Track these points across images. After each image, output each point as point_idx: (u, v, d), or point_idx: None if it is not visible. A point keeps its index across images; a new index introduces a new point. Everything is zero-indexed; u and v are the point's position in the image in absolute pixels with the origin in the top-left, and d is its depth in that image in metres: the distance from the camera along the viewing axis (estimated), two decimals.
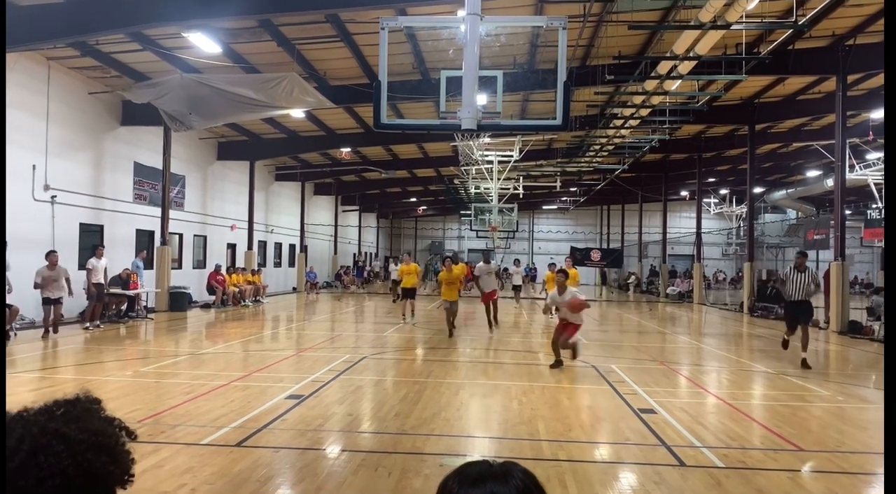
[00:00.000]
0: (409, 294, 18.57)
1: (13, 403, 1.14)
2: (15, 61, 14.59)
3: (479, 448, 6.35)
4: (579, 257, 34.47)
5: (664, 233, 37.67)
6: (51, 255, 13.96)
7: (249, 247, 27.87)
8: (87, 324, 15.26)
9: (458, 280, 15.44)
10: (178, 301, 20.52)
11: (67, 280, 14.13)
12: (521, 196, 33.94)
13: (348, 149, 27.81)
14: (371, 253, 53.33)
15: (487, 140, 25.00)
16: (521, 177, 32.59)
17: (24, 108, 15.55)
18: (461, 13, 7.36)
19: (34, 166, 16.10)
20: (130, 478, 1.14)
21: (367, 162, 31.94)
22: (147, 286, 19.25)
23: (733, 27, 12.89)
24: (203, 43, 14.49)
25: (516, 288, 27.03)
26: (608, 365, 11.42)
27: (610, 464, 5.98)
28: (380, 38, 7.11)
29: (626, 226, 48.28)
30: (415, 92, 16.65)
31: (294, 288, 34.42)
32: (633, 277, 43.67)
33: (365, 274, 41.42)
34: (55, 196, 16.75)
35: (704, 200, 39.63)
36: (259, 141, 26.36)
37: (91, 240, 17.58)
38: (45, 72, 16.35)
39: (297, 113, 19.37)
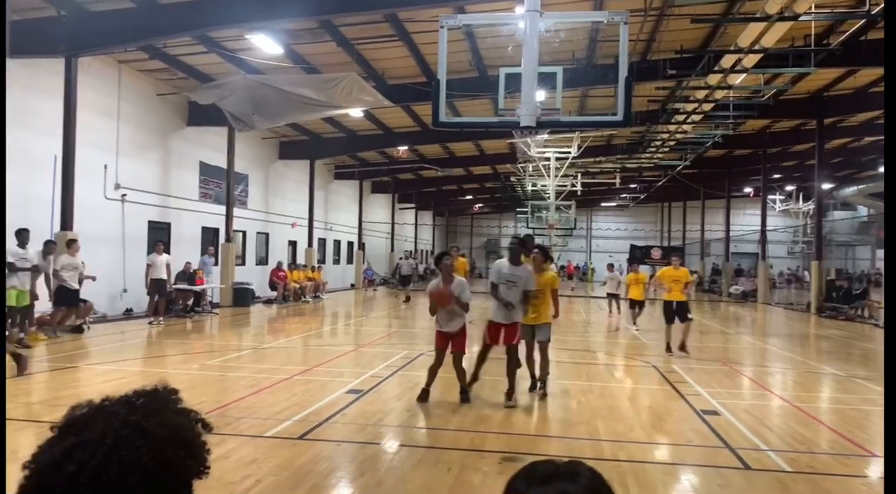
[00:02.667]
0: None
1: (89, 393, 1.18)
2: (89, 65, 15.18)
3: (539, 447, 6.33)
4: (639, 255, 33.94)
5: (727, 230, 36.73)
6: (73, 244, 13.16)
7: (309, 244, 28.35)
8: (151, 319, 15.62)
9: (547, 287, 8.56)
10: (242, 296, 21.01)
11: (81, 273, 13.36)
12: (578, 193, 33.61)
13: (405, 148, 27.99)
14: (427, 251, 53.57)
15: (545, 136, 24.81)
16: (580, 174, 32.24)
17: (97, 110, 16.16)
18: (520, 10, 7.35)
19: (106, 166, 16.73)
20: (206, 470, 1.16)
21: (423, 160, 32.10)
22: (213, 282, 19.76)
23: (801, 18, 12.48)
24: (265, 44, 14.83)
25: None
26: (669, 365, 11.22)
27: (672, 466, 5.88)
28: (439, 37, 7.15)
29: (688, 223, 47.28)
30: (472, 89, 16.65)
31: (352, 285, 34.85)
32: (694, 275, 42.70)
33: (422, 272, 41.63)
34: (125, 194, 17.37)
35: (769, 197, 38.48)
36: (319, 140, 26.78)
37: (159, 237, 18.13)
38: (117, 74, 16.97)
39: (356, 112, 19.61)
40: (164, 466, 1.06)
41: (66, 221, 13.96)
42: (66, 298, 12.92)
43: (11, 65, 13.68)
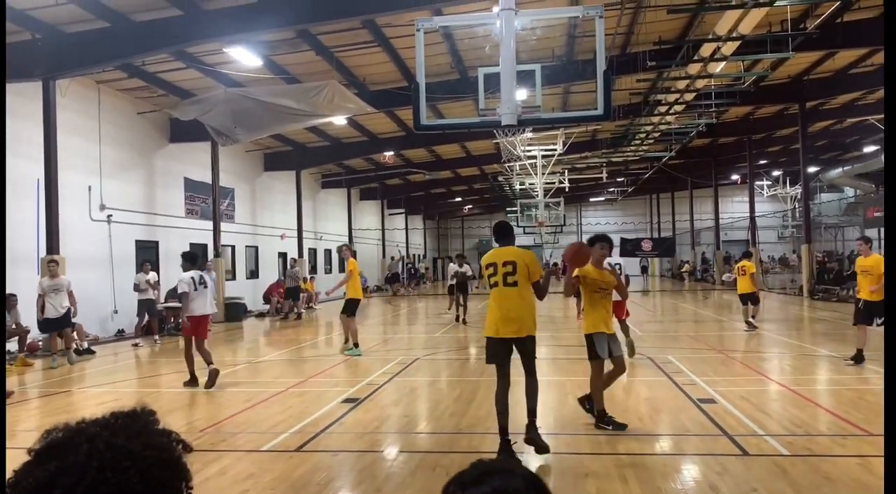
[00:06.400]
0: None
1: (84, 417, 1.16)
2: (66, 87, 15.09)
3: None
4: (630, 248, 34.03)
5: (716, 218, 36.89)
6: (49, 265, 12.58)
7: (300, 255, 28.22)
8: (137, 341, 15.41)
9: (610, 284, 7.03)
10: (234, 311, 20.92)
11: (70, 293, 12.62)
12: (566, 189, 33.63)
13: (391, 153, 27.97)
14: (419, 255, 53.50)
15: (530, 134, 24.85)
16: (566, 171, 32.29)
17: (78, 132, 16.05)
18: (496, 9, 7.33)
19: (90, 187, 16.62)
20: (190, 490, 1.16)
21: (410, 164, 32.09)
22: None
23: (777, 4, 12.54)
24: (244, 57, 14.78)
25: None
26: (664, 355, 11.22)
27: (671, 456, 5.87)
28: (416, 40, 7.13)
29: (677, 213, 47.43)
30: (454, 91, 16.63)
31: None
32: (686, 265, 42.90)
33: (417, 277, 41.68)
34: (111, 215, 17.26)
35: (757, 183, 38.64)
36: (304, 150, 26.72)
37: (147, 256, 18.02)
38: (96, 95, 16.86)
39: (340, 120, 19.57)
40: (153, 488, 1.05)
41: (52, 245, 13.85)
42: (51, 325, 12.51)
43: None
